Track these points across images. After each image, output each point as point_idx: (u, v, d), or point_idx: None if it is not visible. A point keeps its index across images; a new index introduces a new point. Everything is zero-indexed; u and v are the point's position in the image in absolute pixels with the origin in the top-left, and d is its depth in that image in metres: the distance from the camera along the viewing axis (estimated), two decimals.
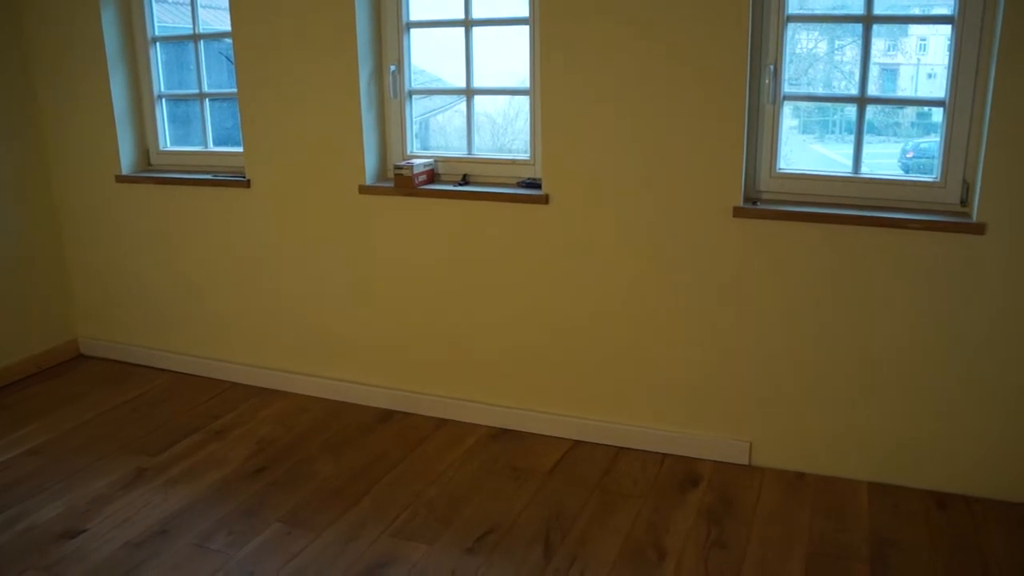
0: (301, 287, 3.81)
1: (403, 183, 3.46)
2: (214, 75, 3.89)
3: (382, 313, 3.68)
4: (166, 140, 4.12)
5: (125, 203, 4.13)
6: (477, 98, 3.51)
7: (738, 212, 3.01)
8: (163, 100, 4.08)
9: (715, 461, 3.26)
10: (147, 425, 3.73)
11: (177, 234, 4.03)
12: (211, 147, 3.99)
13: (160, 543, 2.87)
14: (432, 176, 3.53)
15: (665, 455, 3.32)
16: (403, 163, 3.48)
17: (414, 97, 3.59)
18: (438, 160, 3.54)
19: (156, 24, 3.97)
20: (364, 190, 3.54)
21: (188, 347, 4.20)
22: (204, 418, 3.76)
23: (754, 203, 3.05)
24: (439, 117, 3.84)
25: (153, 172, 4.07)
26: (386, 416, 3.72)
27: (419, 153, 3.61)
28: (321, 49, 3.45)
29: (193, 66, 3.90)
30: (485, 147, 3.59)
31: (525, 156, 3.42)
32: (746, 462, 3.22)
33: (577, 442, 3.45)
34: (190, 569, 2.72)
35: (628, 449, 3.37)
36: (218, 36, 3.85)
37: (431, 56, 3.61)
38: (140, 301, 4.27)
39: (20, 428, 3.77)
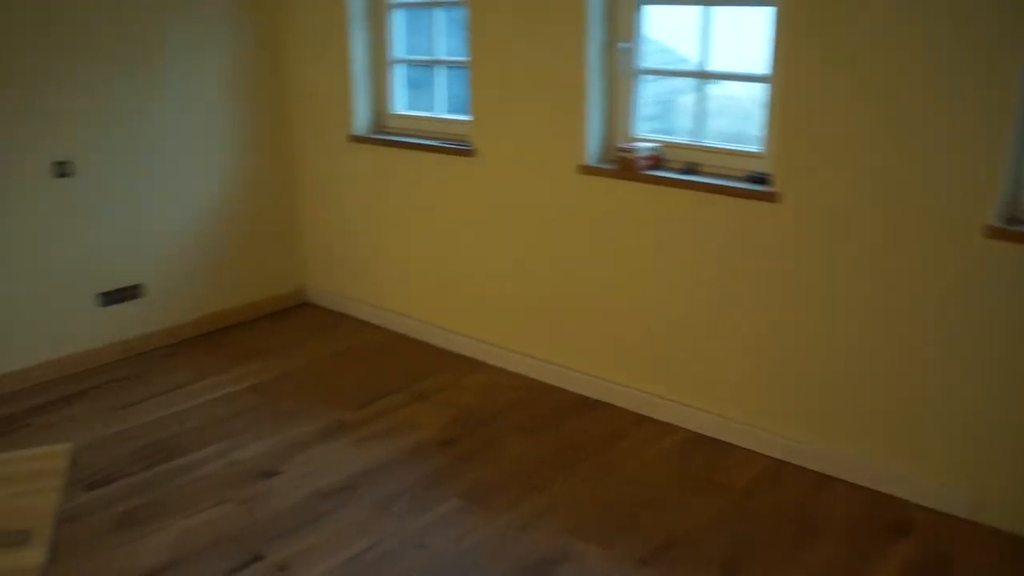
0: (514, 261, 3.78)
1: (625, 167, 3.32)
2: (452, 42, 3.91)
3: (588, 296, 3.57)
4: (401, 104, 4.22)
5: (356, 162, 4.29)
6: (726, 83, 3.30)
7: (993, 232, 2.59)
8: (400, 64, 4.17)
9: (931, 509, 2.89)
10: (355, 378, 3.88)
11: (401, 197, 4.13)
12: (442, 114, 4.03)
13: (344, 497, 2.96)
14: (657, 162, 3.35)
15: (875, 492, 2.99)
16: (627, 146, 3.33)
17: (649, 77, 3.43)
18: (665, 145, 3.36)
19: None
20: (584, 170, 3.43)
21: (402, 307, 4.32)
22: (409, 379, 3.85)
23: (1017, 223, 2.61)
24: (684, 99, 3.62)
25: (385, 134, 4.18)
26: (585, 404, 3.63)
27: (648, 136, 3.44)
28: (551, 21, 3.36)
29: (431, 32, 3.95)
30: (725, 134, 3.35)
31: (756, 148, 3.16)
32: (968, 516, 2.83)
33: (780, 462, 3.18)
34: (367, 528, 2.79)
35: (834, 479, 3.06)
36: (456, 3, 3.86)
37: (679, 36, 3.41)
38: (361, 258, 4.44)
39: (246, 364, 4.04)
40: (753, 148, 3.17)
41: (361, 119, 4.23)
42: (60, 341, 3.96)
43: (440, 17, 3.93)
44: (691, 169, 3.28)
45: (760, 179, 3.09)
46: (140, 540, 2.75)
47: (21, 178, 3.71)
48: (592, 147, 3.43)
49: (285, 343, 4.30)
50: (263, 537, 2.75)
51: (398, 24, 4.11)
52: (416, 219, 4.11)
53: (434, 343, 4.21)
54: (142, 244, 4.14)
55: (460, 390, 3.75)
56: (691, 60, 3.32)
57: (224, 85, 4.27)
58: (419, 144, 3.96)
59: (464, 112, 3.85)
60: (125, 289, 4.13)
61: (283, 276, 4.75)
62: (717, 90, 3.39)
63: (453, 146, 3.82)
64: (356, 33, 4.09)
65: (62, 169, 3.81)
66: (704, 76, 3.25)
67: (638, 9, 3.29)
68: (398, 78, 4.19)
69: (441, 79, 4.00)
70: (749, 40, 3.14)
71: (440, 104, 4.03)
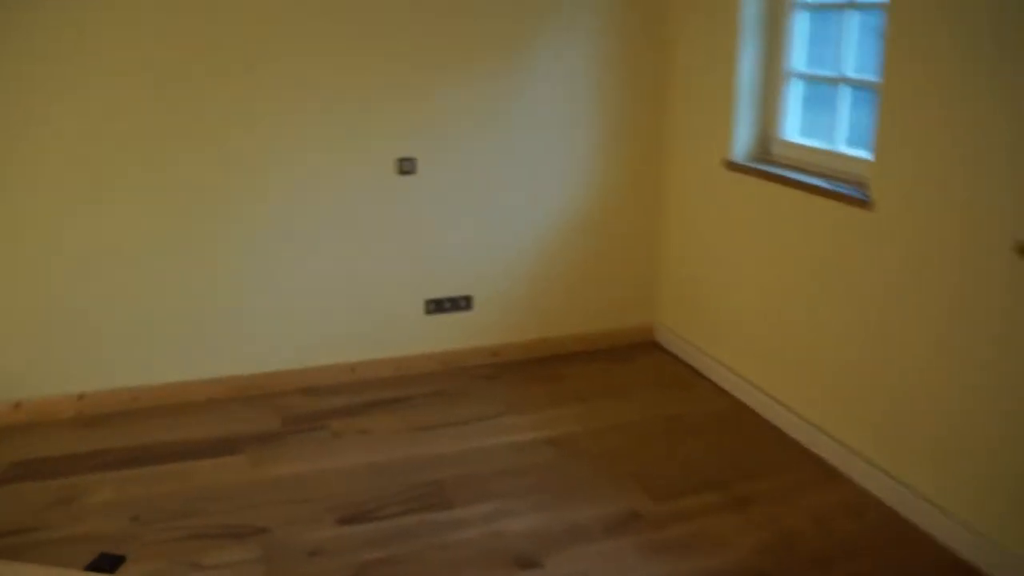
0: (913, 358, 2.76)
1: None
2: (863, 56, 3.00)
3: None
4: (792, 129, 3.39)
5: (729, 193, 3.55)
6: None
7: None
8: (796, 80, 3.34)
9: None
10: (674, 456, 3.18)
11: (776, 244, 3.30)
12: (839, 147, 3.14)
13: None
14: None
15: None
16: None
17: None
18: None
19: None
20: None
21: (757, 376, 3.50)
22: (738, 473, 3.05)
23: None
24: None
25: (766, 164, 3.38)
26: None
27: None
28: None
29: (839, 41, 3.06)
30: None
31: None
32: None
33: None
34: None
35: None
36: (874, 6, 2.93)
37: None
38: (721, 304, 3.70)
39: (561, 406, 3.55)
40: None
41: (741, 143, 3.47)
42: (381, 343, 3.80)
43: (852, 22, 3.02)
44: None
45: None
46: None
47: (369, 173, 3.57)
48: None
49: (614, 390, 3.72)
50: None
51: (799, 30, 3.28)
52: (791, 274, 3.25)
53: (786, 430, 3.33)
54: (479, 253, 3.82)
55: (794, 507, 2.85)
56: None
57: (590, 93, 3.79)
58: (803, 182, 3.10)
59: (865, 148, 2.92)
60: (454, 299, 3.85)
61: (632, 308, 4.17)
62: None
63: (845, 191, 2.91)
64: (747, 38, 3.34)
65: (405, 166, 3.61)
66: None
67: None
68: (792, 96, 3.36)
69: (844, 101, 3.10)
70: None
71: (840, 133, 3.13)
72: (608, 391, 3.71)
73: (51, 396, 3.42)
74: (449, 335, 3.89)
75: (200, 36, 3.26)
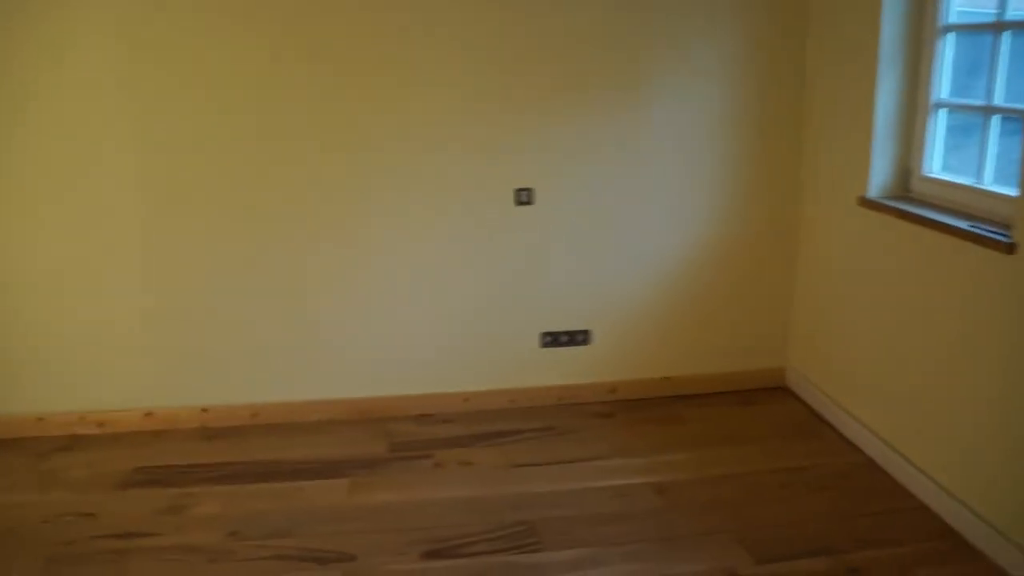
0: None
1: None
2: (1016, 82, 2.68)
3: None
4: (936, 163, 3.09)
5: (864, 233, 3.27)
6: None
7: None
8: (942, 111, 3.04)
9: None
10: (786, 514, 2.94)
11: (910, 286, 3.01)
12: (984, 183, 2.82)
13: None
14: None
15: None
16: None
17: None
18: None
19: (953, 6, 2.92)
20: None
21: (888, 431, 3.19)
22: (852, 540, 2.76)
23: None
24: None
25: (904, 202, 3.09)
26: None
27: None
28: None
29: (989, 68, 2.75)
30: None
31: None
32: None
33: None
34: None
35: None
36: None
37: None
38: (852, 350, 3.40)
39: (673, 451, 3.38)
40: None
41: (879, 179, 3.20)
42: (495, 374, 3.76)
43: (1005, 45, 2.71)
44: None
45: None
46: None
47: (486, 202, 3.56)
48: None
49: (734, 436, 3.50)
50: None
51: (945, 55, 2.99)
52: (928, 322, 2.94)
53: (916, 494, 3.00)
54: (598, 287, 3.72)
55: None
56: None
57: (720, 126, 3.61)
58: (941, 223, 2.80)
59: (1013, 184, 2.61)
60: (571, 333, 3.76)
61: (762, 350, 3.93)
62: None
63: (986, 233, 2.61)
64: (887, 65, 3.06)
65: (522, 196, 3.57)
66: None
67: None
68: (936, 128, 3.07)
69: (993, 133, 2.78)
70: None
71: (987, 168, 2.82)
72: (728, 437, 3.50)
73: (178, 407, 3.61)
74: (565, 369, 3.80)
75: (318, 65, 3.36)
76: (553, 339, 3.76)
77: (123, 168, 3.35)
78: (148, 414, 3.60)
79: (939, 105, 3.03)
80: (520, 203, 3.58)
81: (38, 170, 3.32)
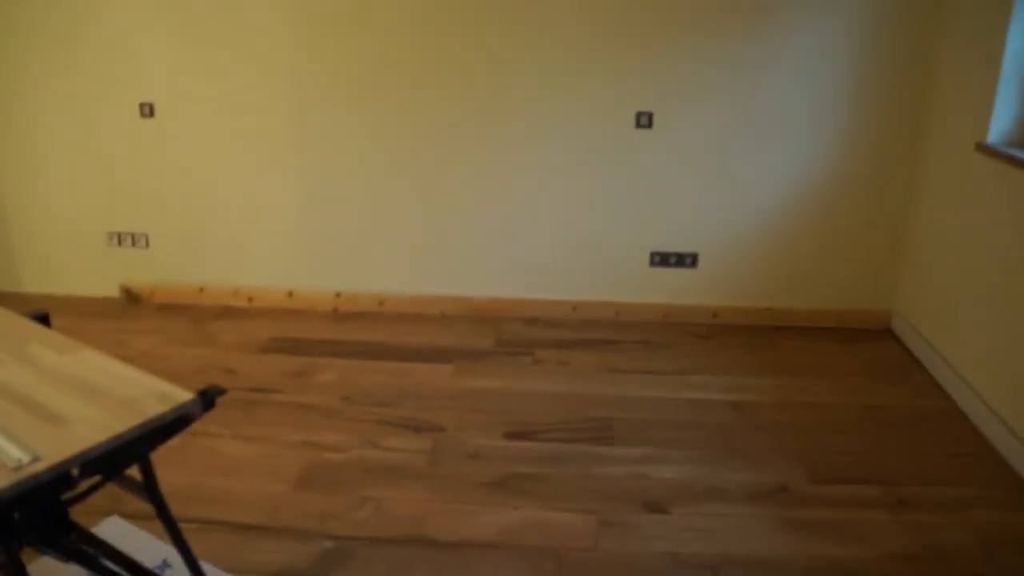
0: None
1: None
2: None
3: None
4: None
5: (977, 180, 3.23)
6: None
7: None
8: None
9: None
10: (851, 443, 3.05)
11: (1012, 230, 2.99)
12: None
13: None
14: None
15: None
16: None
17: None
18: None
19: None
20: None
21: (979, 379, 3.19)
22: (911, 473, 2.86)
23: None
24: None
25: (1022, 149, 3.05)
26: None
27: None
28: None
29: None
30: None
31: None
32: None
33: None
34: None
35: None
36: None
37: None
38: (957, 299, 3.40)
39: (759, 375, 3.52)
40: None
41: (1000, 126, 3.14)
42: (604, 287, 3.99)
43: None
44: None
45: None
46: (490, 510, 2.64)
47: (608, 122, 3.74)
48: None
49: (824, 369, 3.60)
50: None
51: None
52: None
53: (991, 442, 3.04)
54: (709, 213, 3.85)
55: (960, 521, 2.61)
56: None
57: (840, 65, 3.60)
58: None
59: None
60: (680, 255, 3.92)
61: (867, 291, 3.96)
62: None
63: None
64: (1021, 10, 3.00)
65: (642, 120, 3.72)
66: None
67: None
68: None
69: None
70: None
71: None
72: (818, 370, 3.60)
73: (316, 290, 4.07)
74: (671, 289, 3.98)
75: (465, 13, 3.62)
76: (662, 259, 3.93)
77: (290, 96, 3.78)
78: (290, 294, 4.08)
79: None
80: (639, 126, 3.73)
81: (238, 105, 3.79)
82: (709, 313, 3.99)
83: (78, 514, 2.51)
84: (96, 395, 1.66)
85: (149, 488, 1.78)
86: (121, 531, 2.48)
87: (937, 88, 3.57)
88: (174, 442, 2.96)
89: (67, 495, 1.58)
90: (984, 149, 3.16)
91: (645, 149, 3.77)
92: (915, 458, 2.97)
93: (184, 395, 1.65)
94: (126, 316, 4.05)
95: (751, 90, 3.66)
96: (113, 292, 4.21)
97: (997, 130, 3.15)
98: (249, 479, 2.78)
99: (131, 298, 4.19)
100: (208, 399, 1.71)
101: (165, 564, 2.33)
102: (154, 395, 1.65)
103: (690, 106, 3.70)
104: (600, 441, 3.03)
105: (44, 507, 1.62)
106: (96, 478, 1.61)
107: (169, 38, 3.76)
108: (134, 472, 1.76)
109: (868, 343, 3.85)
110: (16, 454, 1.46)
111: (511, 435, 3.05)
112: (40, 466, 1.43)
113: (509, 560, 2.41)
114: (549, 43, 3.65)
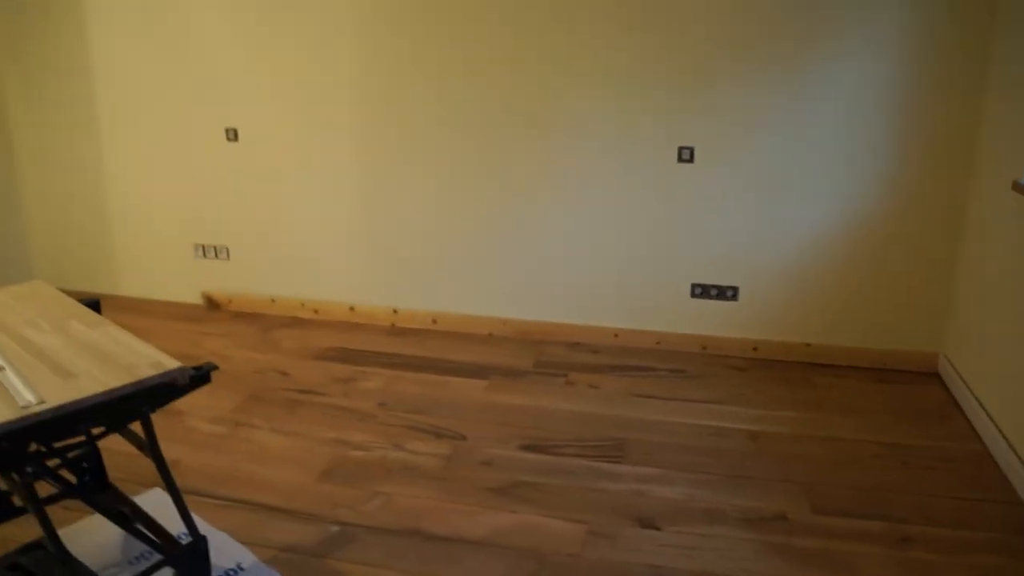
0: None
1: None
2: None
3: None
4: None
5: (1016, 219, 3.20)
6: None
7: None
8: None
9: None
10: (866, 480, 3.04)
11: None
12: None
13: None
14: None
15: None
16: None
17: None
18: None
19: None
20: None
21: (1012, 429, 3.14)
22: (922, 514, 2.83)
23: None
24: None
25: None
26: None
27: None
28: None
29: None
30: None
31: None
32: None
33: None
34: None
35: None
36: None
37: None
38: (999, 345, 3.34)
39: (788, 409, 3.55)
40: None
41: None
42: (645, 316, 4.10)
43: None
44: None
45: None
46: (488, 512, 2.80)
47: (650, 156, 3.88)
48: None
49: (857, 408, 3.58)
50: None
51: None
52: None
53: (1019, 492, 2.97)
54: (750, 246, 3.92)
55: (959, 563, 2.57)
56: None
57: (888, 97, 3.61)
58: None
59: None
60: (721, 288, 3.99)
61: (913, 331, 3.91)
62: None
63: None
64: None
65: (684, 154, 3.84)
66: None
67: None
68: None
69: None
70: None
71: None
72: (847, 407, 3.59)
73: (376, 306, 4.36)
74: (711, 321, 4.05)
75: (505, 27, 3.85)
76: (703, 291, 4.01)
77: (357, 131, 4.10)
78: (351, 308, 4.38)
79: None
80: (681, 160, 3.85)
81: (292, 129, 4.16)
82: (749, 346, 4.03)
83: (127, 484, 2.83)
84: (105, 360, 1.94)
85: (150, 444, 2.04)
86: (160, 501, 2.77)
87: (980, 125, 3.54)
88: (219, 429, 3.30)
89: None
90: (1020, 188, 3.13)
91: (687, 183, 3.88)
92: (929, 498, 2.94)
93: (172, 363, 1.91)
94: (205, 320, 4.44)
95: (794, 124, 3.73)
96: (196, 299, 4.62)
97: None
98: (278, 468, 3.04)
99: (212, 305, 4.59)
100: (203, 373, 1.97)
101: (184, 535, 2.59)
102: (150, 363, 1.92)
103: (732, 142, 3.79)
104: (610, 459, 3.14)
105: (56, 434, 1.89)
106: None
107: (255, 76, 4.15)
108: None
109: (909, 384, 3.81)
110: (27, 396, 1.75)
111: (526, 447, 3.20)
112: (43, 407, 1.71)
113: (494, 558, 2.56)
114: (600, 87, 3.83)
